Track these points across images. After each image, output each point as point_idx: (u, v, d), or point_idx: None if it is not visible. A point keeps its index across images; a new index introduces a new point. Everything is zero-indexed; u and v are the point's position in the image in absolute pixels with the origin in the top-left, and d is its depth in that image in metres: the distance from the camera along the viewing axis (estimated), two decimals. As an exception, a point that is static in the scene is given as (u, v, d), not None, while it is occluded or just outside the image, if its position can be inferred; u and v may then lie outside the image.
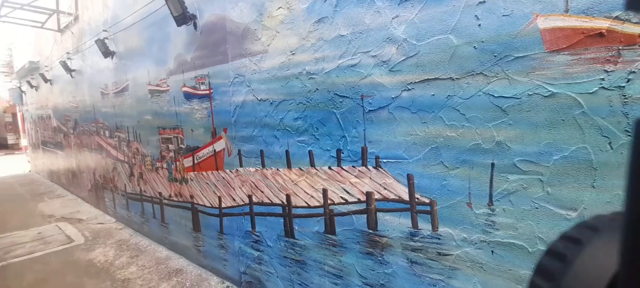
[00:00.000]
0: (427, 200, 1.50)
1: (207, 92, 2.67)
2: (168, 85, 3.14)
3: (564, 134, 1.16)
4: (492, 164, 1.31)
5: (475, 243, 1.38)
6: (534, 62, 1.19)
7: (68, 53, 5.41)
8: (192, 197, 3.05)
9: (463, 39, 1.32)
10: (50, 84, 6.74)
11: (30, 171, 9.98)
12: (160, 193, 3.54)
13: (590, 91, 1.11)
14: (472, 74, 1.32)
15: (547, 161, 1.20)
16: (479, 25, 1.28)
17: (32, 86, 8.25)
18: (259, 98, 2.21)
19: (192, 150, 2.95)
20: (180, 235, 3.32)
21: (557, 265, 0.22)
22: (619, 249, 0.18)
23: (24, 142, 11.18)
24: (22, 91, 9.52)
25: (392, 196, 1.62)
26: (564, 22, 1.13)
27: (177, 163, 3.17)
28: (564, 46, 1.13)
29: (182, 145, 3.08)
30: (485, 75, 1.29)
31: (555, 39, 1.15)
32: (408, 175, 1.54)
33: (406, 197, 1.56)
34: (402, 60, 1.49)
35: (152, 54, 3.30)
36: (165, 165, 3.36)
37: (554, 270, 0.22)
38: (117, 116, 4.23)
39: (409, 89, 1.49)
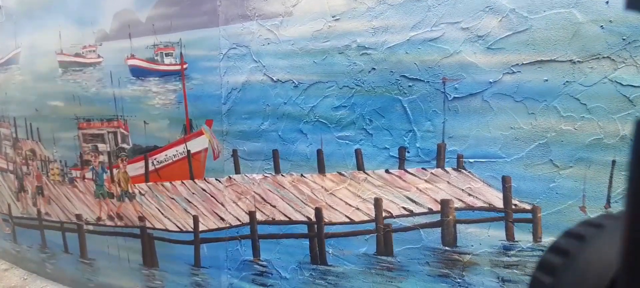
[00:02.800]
0: (528, 207, 1.31)
1: (178, 67, 1.96)
2: (99, 56, 2.24)
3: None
4: (613, 161, 1.20)
5: (588, 253, 1.25)
6: (670, 47, 1.11)
7: None
8: (142, 218, 2.24)
9: (589, 15, 1.17)
10: None
11: None
12: (79, 217, 2.54)
13: None
14: (598, 58, 1.18)
15: (677, 157, 1.14)
16: (607, 2, 1.15)
17: None
18: (274, 78, 1.69)
19: (146, 152, 2.16)
20: (118, 273, 2.43)
21: (559, 260, 0.23)
22: (619, 248, 0.19)
23: None
24: None
25: (479, 203, 1.38)
26: None
27: (115, 171, 2.30)
28: None
29: (124, 145, 2.24)
30: (613, 60, 1.16)
31: (690, 22, 1.09)
32: (504, 177, 1.33)
33: (500, 203, 1.35)
34: (507, 36, 1.27)
35: (70, 9, 2.31)
36: (90, 174, 2.41)
37: (556, 265, 0.23)
38: (-10, 101, 2.90)
39: (514, 72, 1.27)
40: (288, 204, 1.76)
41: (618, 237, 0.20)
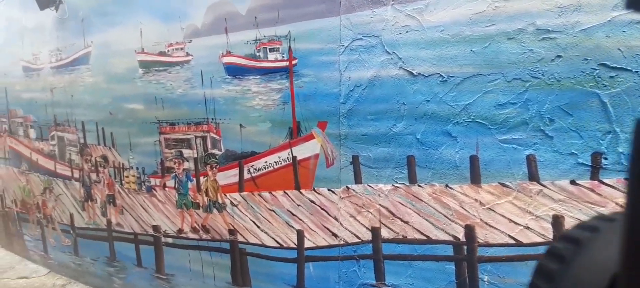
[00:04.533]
0: None
1: (285, 64, 1.83)
2: (188, 54, 2.15)
3: None
4: None
5: None
6: None
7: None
8: (232, 232, 2.12)
9: None
10: None
11: None
12: (156, 228, 2.46)
13: None
14: None
15: None
16: None
17: None
18: (414, 72, 1.52)
19: (240, 158, 2.04)
20: (200, 291, 2.32)
21: (557, 266, 0.24)
22: (619, 249, 0.20)
23: None
24: None
25: None
26: None
27: (202, 179, 2.20)
28: None
29: (215, 150, 2.13)
30: None
31: None
32: None
33: None
34: None
35: (153, 3, 2.25)
36: (173, 183, 2.32)
37: (553, 271, 0.24)
38: (58, 105, 2.90)
39: None
40: (426, 220, 1.57)
41: (614, 240, 0.21)
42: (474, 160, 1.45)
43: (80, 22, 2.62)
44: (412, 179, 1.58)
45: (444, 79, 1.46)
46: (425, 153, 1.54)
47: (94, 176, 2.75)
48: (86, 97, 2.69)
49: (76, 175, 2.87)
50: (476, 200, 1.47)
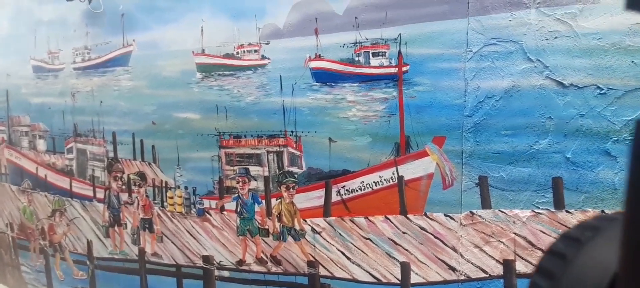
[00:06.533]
0: None
1: (393, 69, 1.67)
2: (264, 57, 1.95)
3: None
4: None
5: None
6: None
7: None
8: (312, 264, 1.88)
9: None
10: None
11: None
12: (207, 259, 2.16)
13: None
14: None
15: None
16: None
17: None
18: (565, 82, 1.40)
19: (327, 178, 1.83)
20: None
21: (557, 264, 0.25)
22: (619, 249, 0.20)
23: None
24: None
25: None
26: None
27: (273, 201, 1.95)
28: None
29: (294, 168, 1.91)
30: None
31: None
32: None
33: None
34: None
35: (220, -2, 2.05)
36: (235, 205, 2.05)
37: (554, 270, 0.25)
38: (81, 112, 2.58)
39: None
40: (576, 251, 1.42)
41: (615, 240, 0.21)
42: (639, 182, 1.33)
43: (120, 17, 2.36)
44: (559, 204, 1.44)
45: (603, 91, 1.36)
46: (577, 174, 1.41)
47: (124, 196, 2.42)
48: (121, 103, 2.40)
49: (100, 195, 2.53)
50: None
